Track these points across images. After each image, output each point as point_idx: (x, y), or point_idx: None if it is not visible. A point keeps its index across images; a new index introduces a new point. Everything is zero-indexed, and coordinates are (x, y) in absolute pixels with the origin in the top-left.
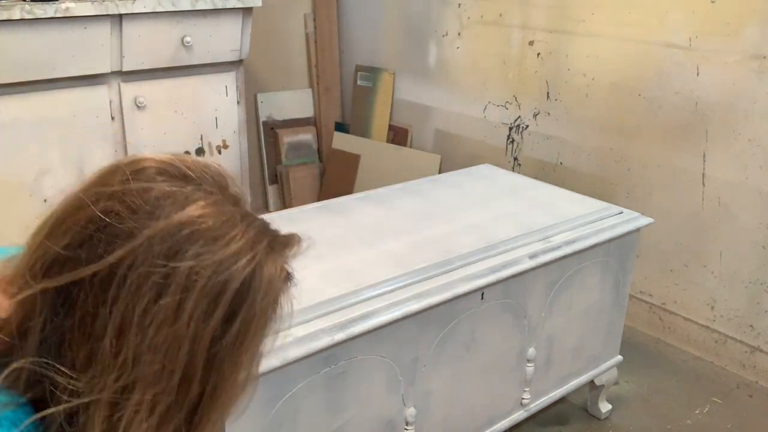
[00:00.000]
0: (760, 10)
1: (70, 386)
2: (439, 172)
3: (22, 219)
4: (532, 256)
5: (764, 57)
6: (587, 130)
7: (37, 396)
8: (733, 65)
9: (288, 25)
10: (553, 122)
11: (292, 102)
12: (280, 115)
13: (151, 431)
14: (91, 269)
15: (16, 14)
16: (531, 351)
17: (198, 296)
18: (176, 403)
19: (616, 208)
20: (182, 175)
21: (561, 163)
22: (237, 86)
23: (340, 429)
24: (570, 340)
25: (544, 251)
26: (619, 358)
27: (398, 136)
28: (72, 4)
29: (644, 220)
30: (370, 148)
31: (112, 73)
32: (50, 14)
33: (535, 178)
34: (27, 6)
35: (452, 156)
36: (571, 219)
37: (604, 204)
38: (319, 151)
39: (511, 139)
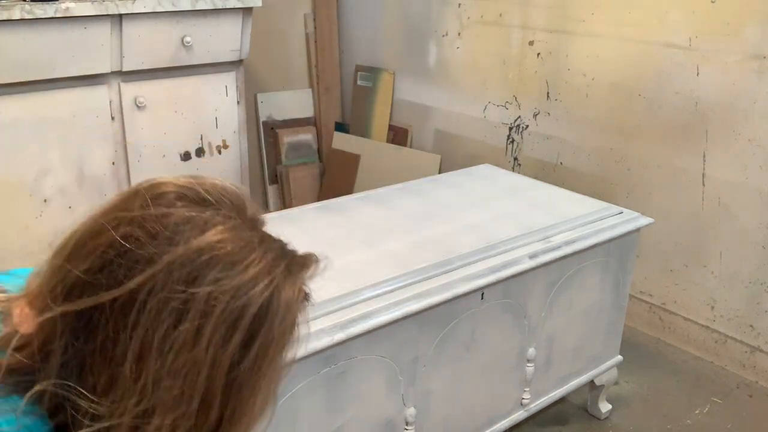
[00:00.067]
0: (760, 10)
1: (92, 410)
2: (439, 172)
3: (22, 219)
4: (532, 256)
5: (764, 57)
6: (587, 130)
7: (60, 422)
8: (733, 65)
9: (288, 25)
10: (553, 122)
11: (292, 102)
12: (280, 115)
13: None
14: (112, 294)
15: (16, 14)
16: (531, 351)
17: (216, 321)
18: (195, 428)
19: (616, 208)
20: (201, 200)
21: (561, 163)
22: (237, 86)
23: (340, 429)
24: (570, 340)
25: (544, 251)
26: (619, 358)
27: (398, 136)
28: (72, 4)
29: (644, 220)
30: (370, 148)
31: (112, 73)
32: (50, 14)
33: (535, 178)
34: (27, 6)
35: (452, 156)
36: (571, 219)
37: (604, 204)
38: (319, 151)
39: (511, 139)
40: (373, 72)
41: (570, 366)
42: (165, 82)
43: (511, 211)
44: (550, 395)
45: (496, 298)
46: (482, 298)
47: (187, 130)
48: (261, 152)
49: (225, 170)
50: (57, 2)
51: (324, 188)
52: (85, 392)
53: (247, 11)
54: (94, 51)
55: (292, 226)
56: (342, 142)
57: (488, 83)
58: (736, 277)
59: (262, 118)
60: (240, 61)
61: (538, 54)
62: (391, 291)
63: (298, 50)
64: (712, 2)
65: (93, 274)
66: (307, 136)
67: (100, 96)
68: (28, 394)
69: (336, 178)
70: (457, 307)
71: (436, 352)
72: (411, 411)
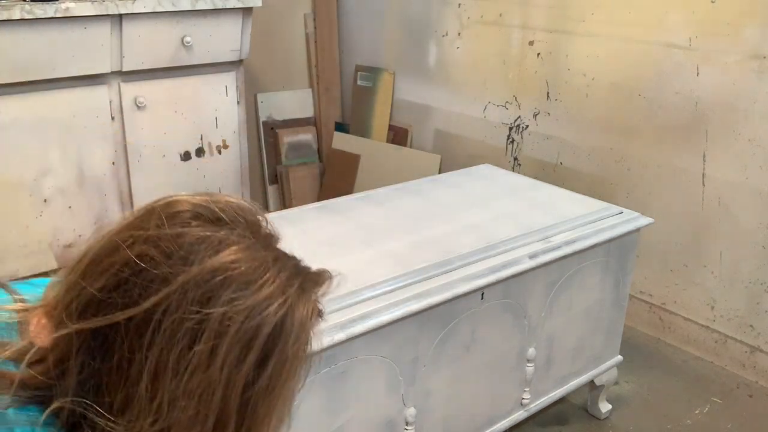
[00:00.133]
0: (760, 11)
1: (109, 428)
2: (439, 172)
3: (22, 219)
4: (532, 256)
5: (764, 57)
6: (587, 130)
7: None
8: (733, 65)
9: (288, 25)
10: (553, 122)
11: (292, 102)
12: (280, 115)
13: None
14: (127, 314)
15: (16, 14)
16: (531, 351)
17: (231, 342)
18: None
19: (616, 208)
20: (216, 219)
21: (561, 163)
22: (237, 86)
23: (340, 429)
24: (570, 340)
25: (544, 251)
26: (619, 358)
27: (398, 136)
28: (72, 4)
29: (644, 220)
30: (370, 148)
31: (112, 73)
32: (50, 14)
33: (535, 178)
34: (27, 6)
35: (452, 156)
36: (571, 219)
37: (604, 204)
38: (319, 151)
39: (511, 139)
40: (373, 72)
41: (570, 366)
42: (165, 82)
43: (511, 211)
44: (550, 395)
45: (496, 298)
46: (482, 298)
47: (187, 130)
48: (261, 152)
49: (225, 170)
50: (57, 2)
51: (324, 188)
52: (102, 411)
53: (247, 11)
54: (94, 51)
55: (292, 227)
56: (342, 142)
57: (488, 83)
58: (736, 277)
59: (262, 118)
60: (240, 61)
61: (538, 54)
62: (391, 291)
63: (298, 50)
64: (712, 2)
65: (108, 292)
66: (307, 136)
67: (100, 96)
68: (48, 410)
69: (336, 178)
70: (457, 307)
71: (436, 352)
72: (411, 411)
